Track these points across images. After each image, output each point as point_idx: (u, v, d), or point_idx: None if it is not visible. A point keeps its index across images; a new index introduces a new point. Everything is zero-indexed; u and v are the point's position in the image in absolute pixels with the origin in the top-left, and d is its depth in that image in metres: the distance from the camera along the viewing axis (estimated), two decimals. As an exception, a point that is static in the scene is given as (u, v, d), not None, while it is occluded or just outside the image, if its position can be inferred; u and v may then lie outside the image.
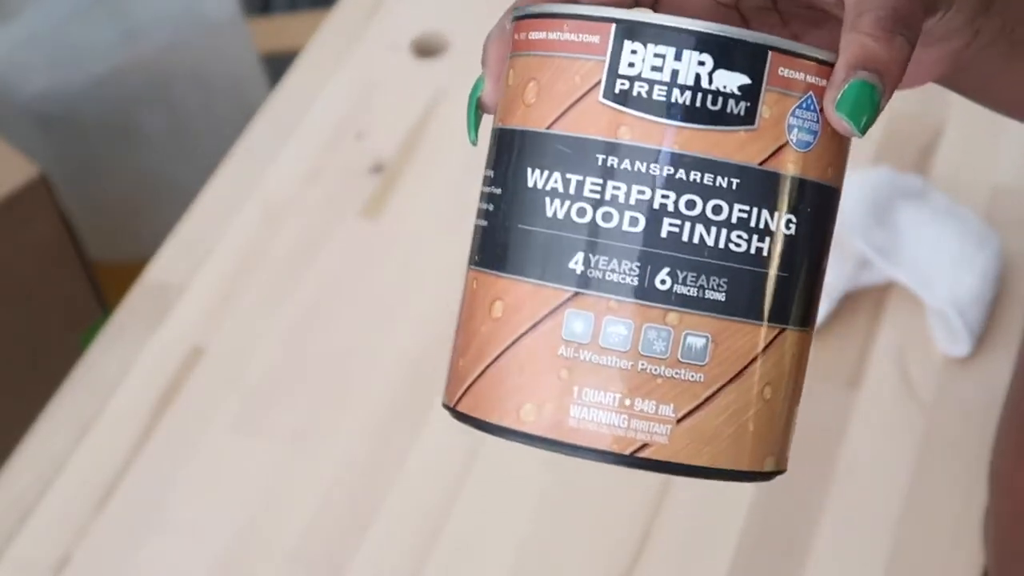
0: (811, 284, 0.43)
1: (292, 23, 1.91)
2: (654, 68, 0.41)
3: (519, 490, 0.88)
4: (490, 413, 0.43)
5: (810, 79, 0.42)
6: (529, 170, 0.43)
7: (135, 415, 0.94)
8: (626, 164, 0.42)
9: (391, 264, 1.01)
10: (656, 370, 0.41)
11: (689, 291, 0.41)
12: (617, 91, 0.42)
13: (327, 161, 1.08)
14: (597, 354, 0.42)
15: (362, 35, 1.18)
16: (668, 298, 0.41)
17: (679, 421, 0.42)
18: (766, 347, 0.42)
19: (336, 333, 0.97)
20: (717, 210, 0.41)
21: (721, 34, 0.41)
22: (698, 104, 0.41)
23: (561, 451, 0.42)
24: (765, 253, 0.42)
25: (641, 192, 0.41)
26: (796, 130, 0.42)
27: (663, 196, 0.41)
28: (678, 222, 0.41)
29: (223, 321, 0.99)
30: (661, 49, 0.41)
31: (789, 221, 0.42)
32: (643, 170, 0.41)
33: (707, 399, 0.42)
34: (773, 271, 0.42)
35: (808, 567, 0.83)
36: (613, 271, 0.42)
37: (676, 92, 0.41)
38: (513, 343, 0.43)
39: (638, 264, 0.41)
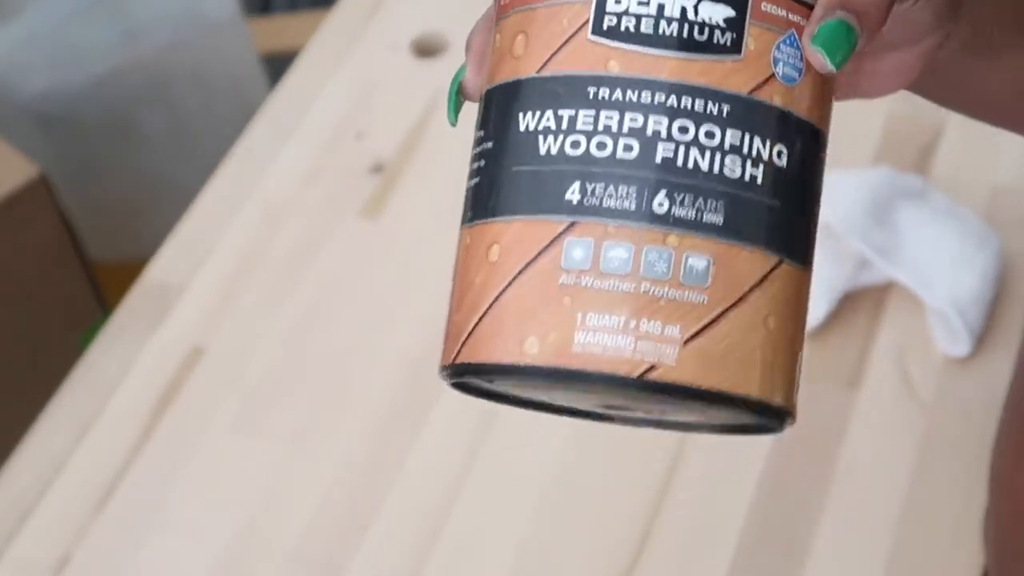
0: (805, 222, 0.44)
1: (292, 23, 1.91)
2: (640, 3, 0.42)
3: (519, 490, 0.88)
4: (492, 354, 0.43)
5: (792, 17, 0.43)
6: (521, 115, 0.44)
7: (135, 415, 0.94)
8: (617, 95, 0.42)
9: (391, 264, 1.01)
10: (659, 292, 0.41)
11: (687, 213, 0.42)
12: (605, 27, 0.42)
13: (327, 161, 1.08)
14: (599, 279, 0.41)
15: (362, 35, 1.18)
16: (667, 220, 0.41)
17: (686, 342, 0.41)
18: (766, 275, 0.43)
19: (336, 333, 0.97)
20: (710, 135, 0.42)
21: None
22: (685, 35, 0.42)
23: (568, 381, 0.42)
24: (759, 181, 0.42)
25: (634, 120, 0.42)
26: (781, 64, 0.43)
27: (656, 123, 0.42)
28: (672, 147, 0.42)
29: (223, 321, 0.99)
30: None
31: (780, 152, 0.43)
32: (635, 99, 0.42)
33: (712, 321, 0.42)
34: (767, 199, 0.42)
35: (808, 567, 0.83)
36: (610, 196, 0.42)
37: (663, 24, 0.42)
38: (512, 280, 0.42)
39: (635, 188, 0.42)
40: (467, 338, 0.43)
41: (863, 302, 0.95)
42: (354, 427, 0.92)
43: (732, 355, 0.42)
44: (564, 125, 0.43)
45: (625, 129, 0.42)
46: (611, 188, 0.42)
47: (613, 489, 0.87)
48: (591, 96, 0.42)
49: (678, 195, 0.42)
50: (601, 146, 0.42)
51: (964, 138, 1.04)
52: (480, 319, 0.43)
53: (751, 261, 0.42)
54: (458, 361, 0.44)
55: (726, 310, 0.42)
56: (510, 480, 0.88)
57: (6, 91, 1.46)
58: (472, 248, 0.44)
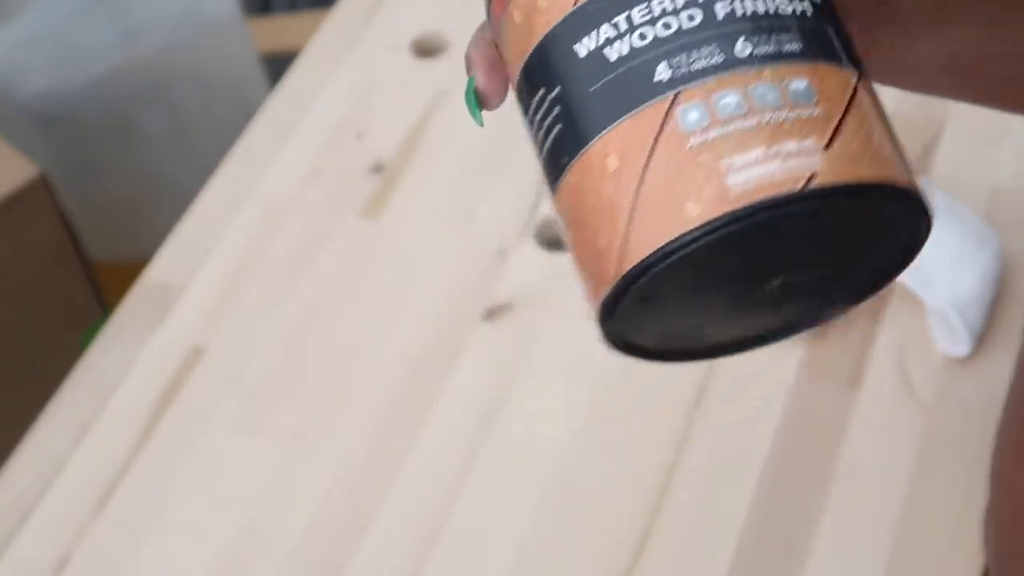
0: (850, 39, 0.47)
1: (292, 23, 1.91)
2: None
3: (519, 490, 0.88)
4: (661, 237, 0.43)
5: None
6: (577, 46, 0.45)
7: (135, 415, 0.94)
8: None
9: (391, 264, 1.01)
10: (780, 116, 0.43)
11: (768, 50, 0.44)
12: None
13: (327, 161, 1.08)
14: (723, 127, 0.43)
15: (362, 35, 1.18)
16: (754, 60, 0.44)
17: (825, 148, 0.43)
18: (855, 83, 0.45)
19: (336, 333, 0.97)
20: None
21: None
22: None
23: (739, 225, 0.42)
24: (808, 12, 0.46)
25: None
26: None
27: None
28: (727, 3, 0.45)
29: (223, 321, 0.99)
30: None
31: None
32: None
33: (837, 126, 0.44)
34: (821, 24, 0.46)
35: (808, 567, 0.83)
36: (696, 60, 0.44)
37: None
38: (644, 169, 0.44)
39: (714, 45, 0.44)
40: (621, 247, 0.44)
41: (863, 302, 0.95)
42: (354, 427, 0.92)
43: (868, 150, 0.44)
44: (624, 27, 0.45)
45: (680, 4, 0.45)
46: (694, 53, 0.44)
47: (613, 489, 0.87)
48: None
49: (753, 38, 0.44)
50: (666, 26, 0.44)
51: (964, 138, 1.04)
52: (628, 222, 0.44)
53: (838, 74, 0.45)
54: (623, 271, 0.44)
55: (843, 115, 0.44)
56: (510, 480, 0.88)
57: (6, 91, 1.46)
58: (586, 177, 0.45)
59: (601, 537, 0.85)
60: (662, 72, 0.44)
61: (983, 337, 0.92)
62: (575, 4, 0.46)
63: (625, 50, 0.45)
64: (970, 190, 1.00)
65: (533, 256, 1.01)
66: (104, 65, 1.47)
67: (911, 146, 1.04)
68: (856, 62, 0.46)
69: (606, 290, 0.44)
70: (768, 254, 0.45)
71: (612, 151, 0.44)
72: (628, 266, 0.44)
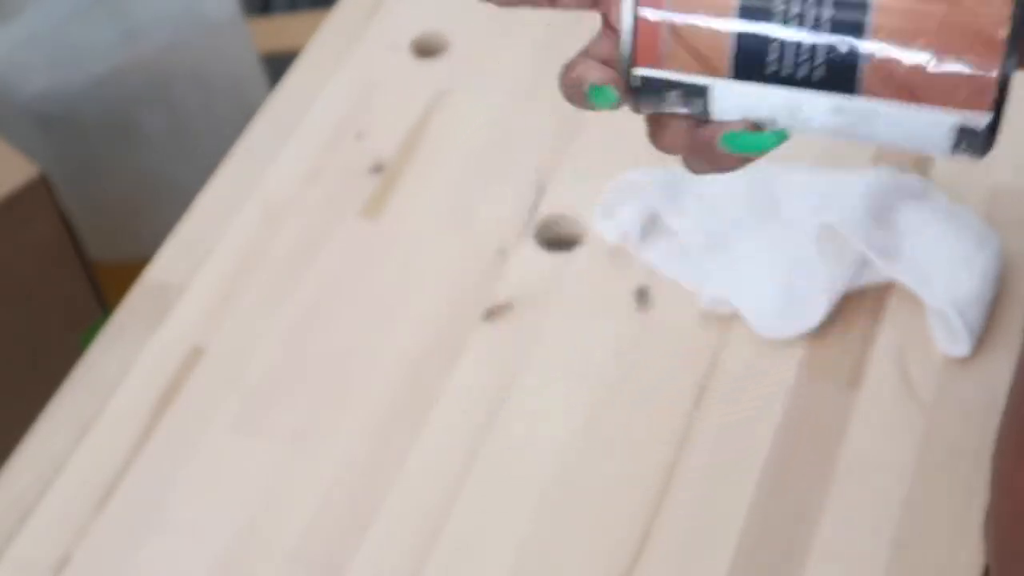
0: None
1: (292, 23, 1.91)
2: None
3: (519, 490, 0.88)
4: None
5: None
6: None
7: (135, 415, 0.94)
8: None
9: (391, 264, 1.01)
10: None
11: None
12: None
13: (327, 161, 1.08)
14: None
15: (362, 35, 1.18)
16: None
17: None
18: None
19: (336, 333, 0.97)
20: None
21: None
22: None
23: None
24: None
25: None
26: None
27: None
28: None
29: (223, 321, 0.99)
30: None
31: None
32: None
33: None
34: None
35: (808, 567, 0.83)
36: None
37: None
38: None
39: None
40: None
41: (863, 302, 0.95)
42: (354, 427, 0.92)
43: None
44: None
45: None
46: None
47: (613, 489, 0.87)
48: None
49: None
50: None
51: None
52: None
53: None
54: None
55: None
56: (510, 480, 0.89)
57: (6, 91, 1.46)
58: None
59: (601, 537, 0.85)
60: None
61: (983, 337, 0.92)
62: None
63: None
64: (970, 190, 1.00)
65: (533, 256, 1.01)
66: (104, 65, 1.47)
67: (911, 146, 1.04)
68: None
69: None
70: None
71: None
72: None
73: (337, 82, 1.14)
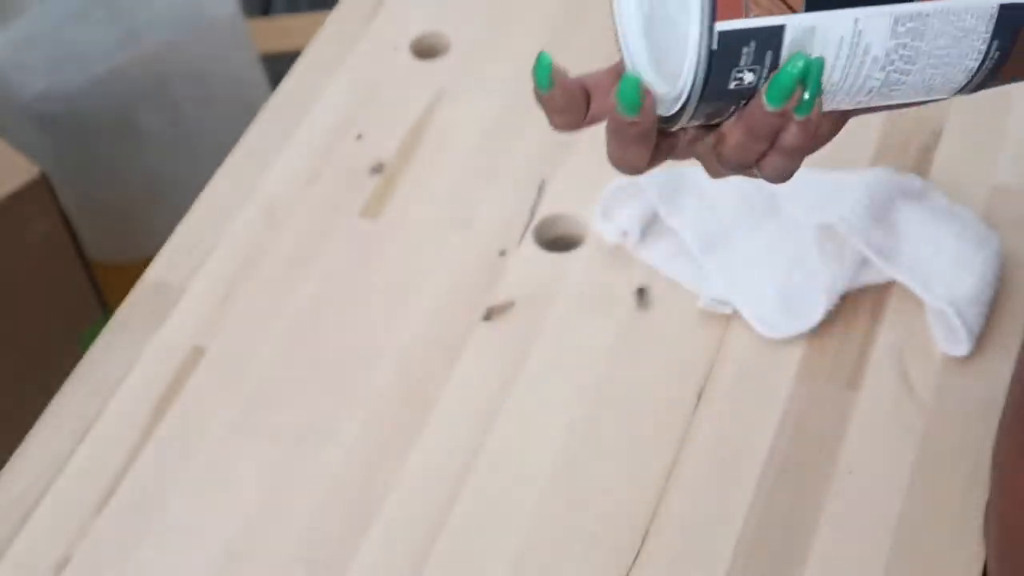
0: None
1: (292, 23, 1.91)
2: None
3: (519, 490, 0.88)
4: None
5: None
6: None
7: (135, 415, 0.94)
8: None
9: (391, 264, 1.01)
10: None
11: None
12: None
13: (327, 161, 1.08)
14: None
15: (362, 35, 1.18)
16: None
17: None
18: None
19: (336, 333, 0.97)
20: None
21: None
22: None
23: None
24: None
25: None
26: None
27: None
28: None
29: (223, 321, 0.99)
30: None
31: None
32: None
33: None
34: None
35: (808, 567, 0.83)
36: None
37: None
38: None
39: None
40: None
41: (863, 302, 0.95)
42: (354, 427, 0.92)
43: None
44: None
45: None
46: None
47: (613, 489, 0.88)
48: None
49: None
50: None
51: (964, 138, 1.04)
52: None
53: None
54: None
55: None
56: (510, 480, 0.89)
57: (6, 91, 1.46)
58: None
59: (601, 536, 0.85)
60: None
61: (983, 337, 0.92)
62: None
63: None
64: (969, 190, 1.00)
65: (533, 256, 1.01)
66: (104, 65, 1.47)
67: (910, 146, 1.04)
68: None
69: None
70: None
71: None
72: None
73: (337, 82, 1.14)
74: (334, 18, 1.20)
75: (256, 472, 0.90)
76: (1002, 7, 0.52)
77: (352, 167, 1.08)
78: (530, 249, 1.01)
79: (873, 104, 0.56)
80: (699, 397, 0.91)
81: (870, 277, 0.95)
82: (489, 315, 0.97)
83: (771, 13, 0.50)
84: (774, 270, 0.96)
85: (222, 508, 0.89)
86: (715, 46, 0.51)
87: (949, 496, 0.85)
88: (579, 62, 0.55)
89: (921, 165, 1.02)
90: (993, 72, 0.54)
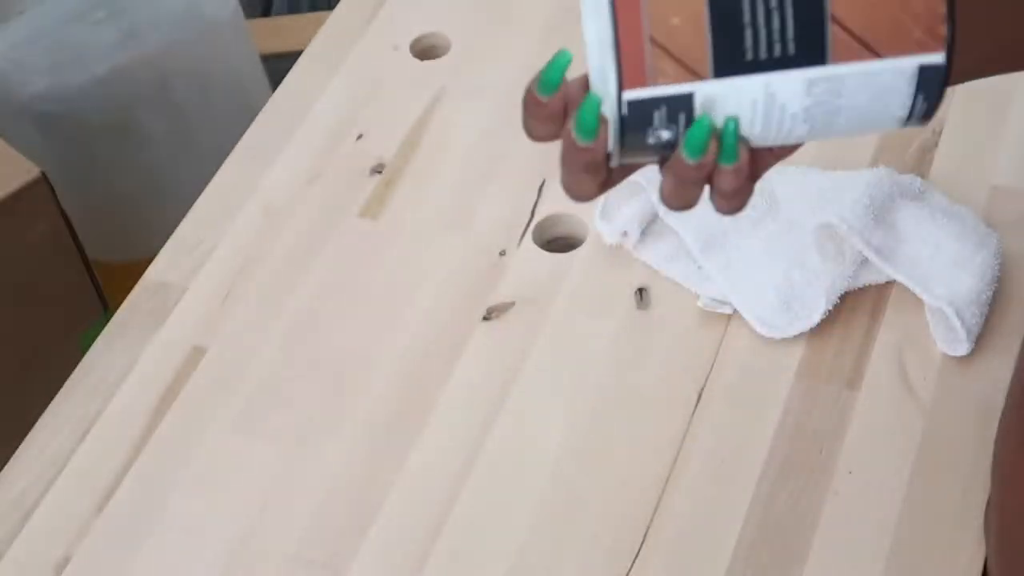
0: None
1: (292, 23, 1.91)
2: None
3: (519, 490, 0.88)
4: None
5: None
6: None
7: (135, 415, 0.94)
8: None
9: (391, 264, 1.01)
10: None
11: None
12: None
13: (327, 161, 1.08)
14: None
15: (362, 35, 1.18)
16: None
17: None
18: None
19: (336, 333, 0.97)
20: None
21: None
22: None
23: None
24: None
25: None
26: None
27: None
28: None
29: (223, 321, 0.99)
30: None
31: None
32: None
33: None
34: None
35: (808, 567, 0.83)
36: None
37: None
38: None
39: None
40: None
41: (863, 302, 0.95)
42: (354, 427, 0.92)
43: None
44: None
45: None
46: None
47: (613, 488, 0.88)
48: None
49: None
50: None
51: (964, 138, 1.04)
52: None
53: None
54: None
55: None
56: (510, 480, 0.89)
57: (6, 91, 1.46)
58: None
59: (601, 536, 0.85)
60: None
61: (982, 337, 0.92)
62: None
63: None
64: (969, 190, 1.00)
65: (533, 256, 1.01)
66: (104, 65, 1.47)
67: (910, 146, 1.04)
68: None
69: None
70: None
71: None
72: None
73: (337, 82, 1.14)
74: (334, 18, 1.20)
75: (256, 472, 0.90)
76: (921, 68, 0.52)
77: (352, 167, 1.08)
78: (530, 249, 1.01)
79: (811, 140, 0.56)
80: (699, 397, 0.91)
81: (870, 277, 0.95)
82: (489, 315, 0.97)
83: (678, 80, 0.51)
84: (774, 270, 0.96)
85: (222, 508, 0.89)
86: (625, 112, 0.52)
87: (949, 496, 0.85)
88: (578, 63, 0.55)
89: (921, 165, 1.02)
90: (929, 113, 0.54)
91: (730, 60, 0.51)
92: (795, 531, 0.85)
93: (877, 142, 1.04)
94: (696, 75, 0.51)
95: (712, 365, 0.93)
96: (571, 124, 0.53)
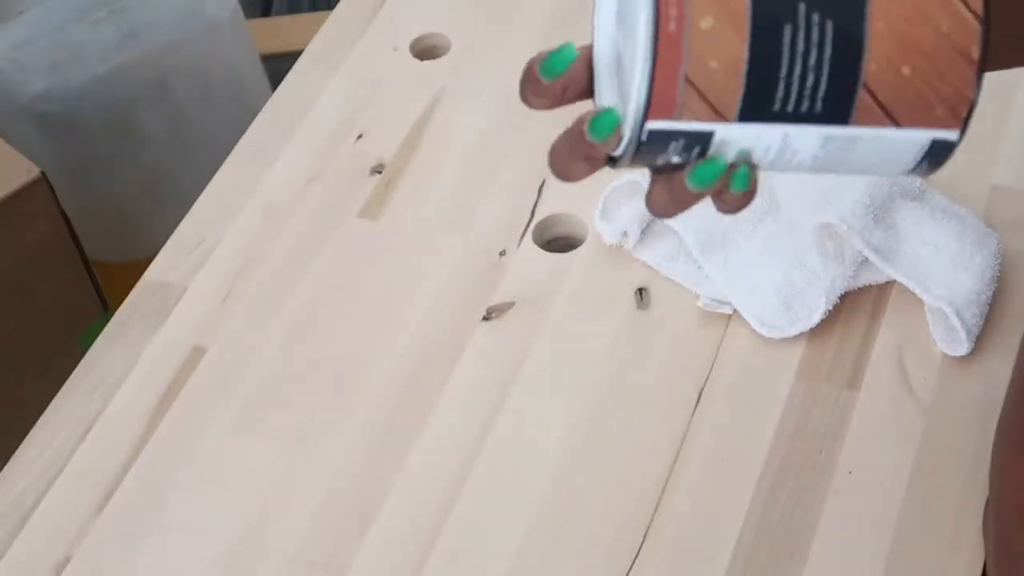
0: None
1: (292, 23, 1.91)
2: None
3: (519, 490, 0.88)
4: None
5: None
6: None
7: (135, 415, 0.94)
8: None
9: (391, 264, 1.01)
10: None
11: None
12: None
13: (327, 161, 1.08)
14: None
15: (362, 35, 1.18)
16: None
17: None
18: None
19: (336, 333, 0.97)
20: None
21: None
22: None
23: None
24: None
25: None
26: None
27: None
28: None
29: (223, 321, 0.99)
30: None
31: None
32: None
33: None
34: None
35: (808, 567, 0.83)
36: None
37: None
38: None
39: None
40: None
41: (863, 302, 0.95)
42: (354, 427, 0.92)
43: None
44: None
45: None
46: None
47: (613, 488, 0.88)
48: None
49: None
50: None
51: (964, 138, 1.04)
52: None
53: None
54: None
55: None
56: (510, 480, 0.89)
57: (6, 91, 1.46)
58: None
59: (601, 536, 0.85)
60: None
61: (982, 337, 0.92)
62: None
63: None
64: (969, 190, 1.00)
65: (533, 256, 1.01)
66: (104, 65, 1.47)
67: (911, 146, 1.04)
68: None
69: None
70: None
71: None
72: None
73: (337, 82, 1.14)
74: (334, 18, 1.20)
75: (256, 472, 0.90)
76: (935, 141, 0.55)
77: (352, 167, 1.08)
78: (530, 249, 1.01)
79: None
80: (699, 397, 0.91)
81: (870, 277, 0.95)
82: (489, 315, 0.97)
83: (703, 119, 0.52)
84: (774, 270, 0.96)
85: (222, 508, 0.89)
86: (644, 138, 0.53)
87: (949, 496, 0.86)
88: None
89: (921, 165, 1.02)
90: (931, 172, 0.57)
91: (758, 109, 0.52)
92: (795, 531, 0.85)
93: (877, 142, 1.04)
94: (721, 117, 0.52)
95: (712, 365, 0.93)
96: (586, 124, 0.54)
